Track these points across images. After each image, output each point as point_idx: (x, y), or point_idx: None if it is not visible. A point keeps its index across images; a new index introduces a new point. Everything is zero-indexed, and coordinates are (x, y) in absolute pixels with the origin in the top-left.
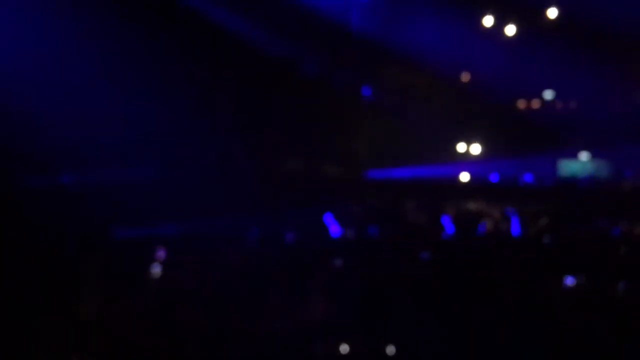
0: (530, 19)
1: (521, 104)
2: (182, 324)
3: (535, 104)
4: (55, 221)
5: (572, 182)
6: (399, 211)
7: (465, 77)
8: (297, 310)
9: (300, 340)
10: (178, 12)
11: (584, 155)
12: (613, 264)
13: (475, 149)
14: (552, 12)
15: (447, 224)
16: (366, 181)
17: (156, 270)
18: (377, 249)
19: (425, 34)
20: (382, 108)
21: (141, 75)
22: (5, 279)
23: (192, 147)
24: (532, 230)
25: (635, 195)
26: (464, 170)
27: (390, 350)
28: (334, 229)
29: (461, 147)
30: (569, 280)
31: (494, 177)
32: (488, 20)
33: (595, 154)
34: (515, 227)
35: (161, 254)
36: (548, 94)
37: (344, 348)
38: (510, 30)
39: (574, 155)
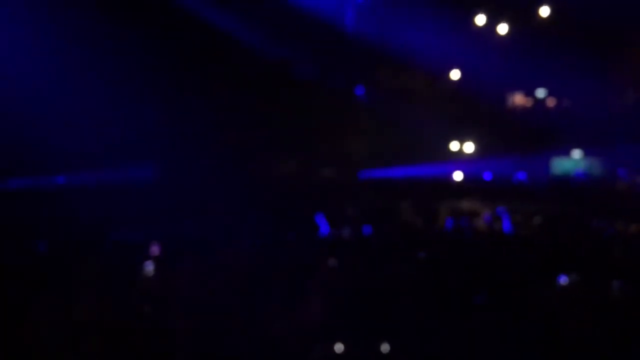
0: (523, 18)
1: (514, 102)
2: (179, 325)
3: (528, 102)
4: (50, 223)
5: (565, 180)
6: (394, 211)
7: (458, 76)
8: (294, 311)
9: (297, 341)
10: (173, 14)
11: (576, 154)
12: (607, 263)
13: (469, 147)
14: (544, 11)
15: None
16: (361, 181)
17: (152, 271)
18: (372, 249)
19: (418, 34)
20: (376, 108)
21: (135, 78)
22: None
23: (187, 148)
24: (525, 228)
25: (628, 193)
26: (458, 169)
27: (387, 350)
28: (325, 229)
29: (454, 146)
30: (563, 279)
31: (487, 176)
32: (481, 20)
33: (587, 152)
34: (508, 226)
35: (155, 249)
36: (541, 93)
37: (341, 348)
38: (502, 29)
39: (566, 153)
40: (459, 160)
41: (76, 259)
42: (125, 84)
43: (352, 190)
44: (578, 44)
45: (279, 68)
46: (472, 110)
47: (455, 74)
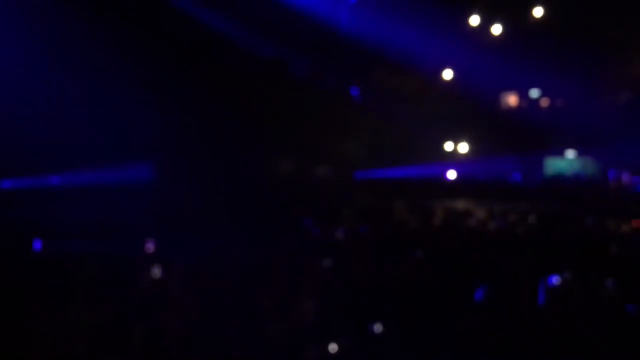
0: (516, 18)
1: (508, 103)
2: (174, 327)
3: (522, 102)
4: (46, 223)
5: (559, 180)
6: (388, 211)
7: (452, 76)
8: (288, 311)
9: (291, 342)
10: (167, 14)
11: (570, 154)
12: (600, 261)
13: (463, 148)
14: (538, 12)
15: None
16: (356, 181)
17: (148, 273)
18: (366, 249)
19: (412, 34)
20: (371, 109)
21: (130, 78)
22: None
23: (183, 150)
24: (519, 227)
25: (620, 192)
26: (452, 169)
27: (382, 348)
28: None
29: (449, 146)
30: (557, 278)
31: (481, 176)
32: (474, 20)
33: (581, 152)
34: (502, 225)
35: (150, 246)
36: (534, 93)
37: (335, 348)
38: (496, 29)
39: (560, 153)
40: (453, 160)
41: (73, 260)
42: (120, 83)
43: (346, 190)
44: (571, 44)
45: (275, 69)
46: (466, 111)
47: (449, 75)
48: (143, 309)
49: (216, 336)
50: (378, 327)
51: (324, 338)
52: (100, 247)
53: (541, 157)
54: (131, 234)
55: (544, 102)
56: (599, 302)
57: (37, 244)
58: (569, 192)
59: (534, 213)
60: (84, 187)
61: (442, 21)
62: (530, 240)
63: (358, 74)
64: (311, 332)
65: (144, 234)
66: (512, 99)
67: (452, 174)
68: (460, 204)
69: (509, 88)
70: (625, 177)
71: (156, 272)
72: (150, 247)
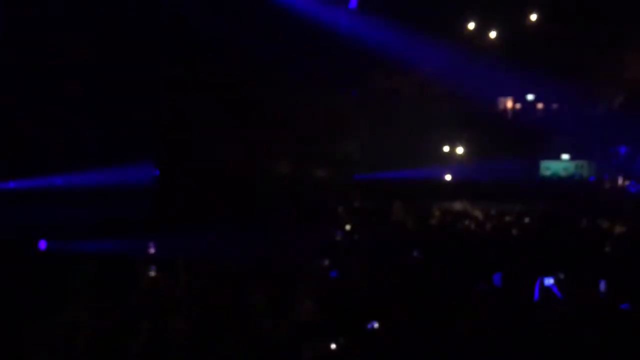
0: (512, 24)
1: (504, 106)
2: (172, 326)
3: (518, 106)
4: (47, 224)
5: (554, 182)
6: (386, 211)
7: (449, 81)
8: (286, 311)
9: (290, 341)
10: (169, 15)
11: (564, 156)
12: (594, 261)
13: (460, 150)
14: (533, 18)
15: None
16: (354, 183)
17: (145, 273)
18: (364, 249)
19: (410, 39)
20: (369, 112)
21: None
22: None
23: (183, 151)
24: (515, 228)
25: (614, 194)
26: (449, 171)
27: (378, 347)
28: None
29: (446, 148)
30: (552, 278)
31: (477, 178)
32: (471, 26)
33: (575, 155)
34: (498, 226)
35: (151, 250)
36: (530, 97)
37: (332, 348)
38: (492, 35)
39: (555, 156)
40: (451, 162)
41: (72, 261)
42: (115, 82)
43: (345, 191)
44: (565, 49)
45: (275, 72)
46: (463, 114)
47: (446, 79)
48: (144, 309)
49: (214, 336)
50: (375, 327)
51: (322, 338)
52: (102, 247)
53: (536, 160)
54: (131, 235)
55: (540, 106)
56: (592, 301)
57: (40, 244)
58: (563, 194)
59: (529, 214)
60: (86, 188)
61: (440, 26)
62: (526, 241)
63: (357, 76)
64: (309, 332)
65: (144, 234)
66: (508, 103)
67: (449, 176)
68: (457, 205)
69: (505, 92)
70: (619, 180)
71: (156, 272)
72: (151, 247)
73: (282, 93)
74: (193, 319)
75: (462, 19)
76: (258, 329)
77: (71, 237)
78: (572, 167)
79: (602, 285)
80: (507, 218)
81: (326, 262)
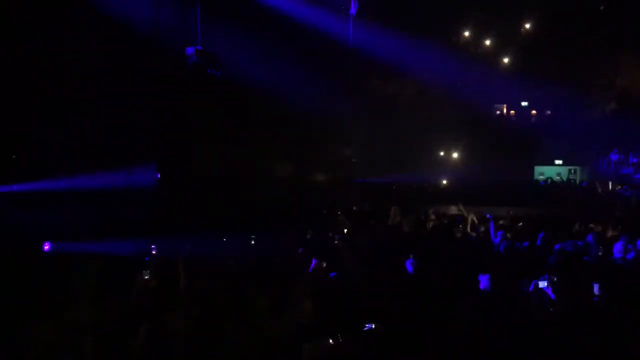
0: (507, 32)
1: (499, 112)
2: (172, 327)
3: (512, 112)
4: (50, 225)
5: (547, 187)
6: (382, 215)
7: (446, 88)
8: (285, 312)
9: (288, 341)
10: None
11: (558, 161)
12: (586, 266)
13: (455, 155)
14: (528, 27)
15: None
16: (351, 186)
17: (146, 274)
18: (361, 252)
19: (407, 46)
20: (367, 116)
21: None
22: None
23: (182, 153)
24: (509, 232)
25: (606, 199)
26: (445, 175)
27: (375, 349)
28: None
29: (441, 153)
30: (546, 280)
31: (473, 182)
32: (467, 34)
33: (569, 160)
34: (493, 231)
35: (154, 250)
36: (524, 103)
37: (331, 348)
38: (487, 43)
39: (549, 161)
40: (447, 166)
41: (74, 262)
42: (117, 87)
43: (342, 194)
44: (560, 58)
45: (274, 76)
46: (459, 120)
47: (442, 85)
48: (144, 309)
49: (215, 336)
50: (372, 328)
51: (320, 338)
52: (103, 248)
53: (530, 165)
54: (132, 236)
55: (534, 112)
56: (586, 304)
57: (44, 246)
58: (557, 198)
59: (523, 218)
60: (88, 190)
61: (437, 35)
62: (519, 244)
63: (356, 83)
64: (308, 332)
65: (145, 235)
66: (502, 109)
67: (444, 180)
68: (453, 209)
69: (500, 98)
70: (611, 184)
71: (157, 273)
72: (152, 248)
73: (280, 98)
74: (193, 319)
75: (458, 27)
76: (257, 330)
77: (73, 239)
78: (565, 172)
79: (596, 289)
80: (501, 222)
81: (325, 264)
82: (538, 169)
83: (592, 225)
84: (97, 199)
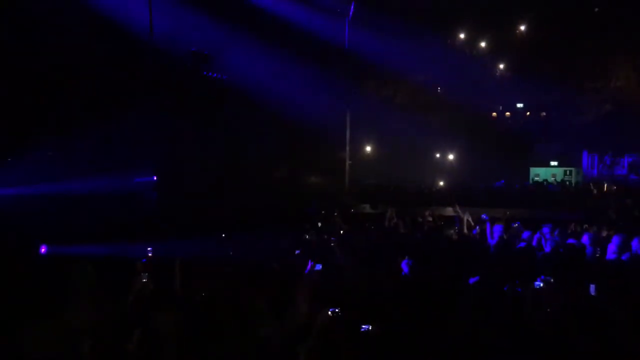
0: (502, 35)
1: (495, 114)
2: (169, 328)
3: (508, 114)
4: (49, 227)
5: (543, 188)
6: (378, 217)
7: (441, 89)
8: (282, 314)
9: (285, 344)
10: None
11: (553, 163)
12: (582, 267)
13: (451, 156)
14: (523, 29)
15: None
16: (347, 188)
17: (143, 276)
18: (358, 253)
19: (404, 49)
20: (362, 118)
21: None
22: None
23: (182, 156)
24: (505, 233)
25: (602, 200)
26: (440, 176)
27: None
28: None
29: (437, 154)
30: (541, 283)
31: (469, 183)
32: (462, 36)
33: (564, 162)
34: (489, 231)
35: (150, 253)
36: (519, 105)
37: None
38: (483, 45)
39: (544, 162)
40: (442, 168)
41: (72, 264)
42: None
43: (339, 196)
44: (555, 61)
45: (273, 81)
46: (455, 122)
47: (438, 87)
48: (142, 310)
49: (213, 338)
50: (368, 329)
51: (318, 339)
52: (101, 250)
53: (526, 166)
54: (130, 238)
55: (529, 114)
56: (582, 304)
57: (41, 248)
58: (552, 200)
59: (519, 219)
60: (86, 193)
61: (432, 37)
62: (515, 245)
63: (352, 85)
64: (306, 334)
65: (143, 237)
66: (499, 111)
67: (440, 182)
68: (449, 210)
69: (495, 100)
70: (605, 185)
71: (154, 274)
72: (149, 250)
73: (278, 102)
74: (189, 321)
75: (454, 30)
76: (256, 331)
77: (71, 241)
78: (560, 173)
79: (592, 289)
80: (497, 223)
81: (322, 266)
82: (533, 171)
83: (586, 225)
84: (94, 201)
